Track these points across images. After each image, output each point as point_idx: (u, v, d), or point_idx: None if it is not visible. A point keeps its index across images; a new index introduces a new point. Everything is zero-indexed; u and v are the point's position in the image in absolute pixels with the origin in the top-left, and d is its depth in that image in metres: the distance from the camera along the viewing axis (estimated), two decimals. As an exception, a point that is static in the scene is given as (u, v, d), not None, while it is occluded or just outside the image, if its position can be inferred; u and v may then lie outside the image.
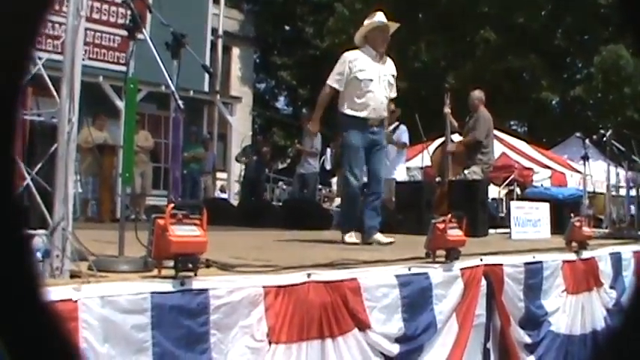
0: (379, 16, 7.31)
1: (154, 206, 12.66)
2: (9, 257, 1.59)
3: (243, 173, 16.76)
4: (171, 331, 3.16)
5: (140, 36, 3.78)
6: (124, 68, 3.85)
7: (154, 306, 3.10)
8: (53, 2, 2.71)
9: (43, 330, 1.63)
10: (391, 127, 10.47)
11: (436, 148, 11.41)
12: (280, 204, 16.88)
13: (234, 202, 16.06)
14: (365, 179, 7.37)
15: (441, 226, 4.98)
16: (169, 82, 3.78)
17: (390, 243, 6.86)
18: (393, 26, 7.34)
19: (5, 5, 1.59)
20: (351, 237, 7.03)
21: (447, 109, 10.57)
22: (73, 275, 3.08)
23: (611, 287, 7.38)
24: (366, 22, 7.37)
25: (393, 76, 7.35)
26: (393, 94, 7.39)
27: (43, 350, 1.61)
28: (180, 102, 3.79)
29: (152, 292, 3.13)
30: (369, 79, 7.07)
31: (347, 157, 7.18)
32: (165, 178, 15.30)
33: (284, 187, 23.80)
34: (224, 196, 17.98)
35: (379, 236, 6.99)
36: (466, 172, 10.51)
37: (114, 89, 14.25)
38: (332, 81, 7.18)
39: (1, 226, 1.60)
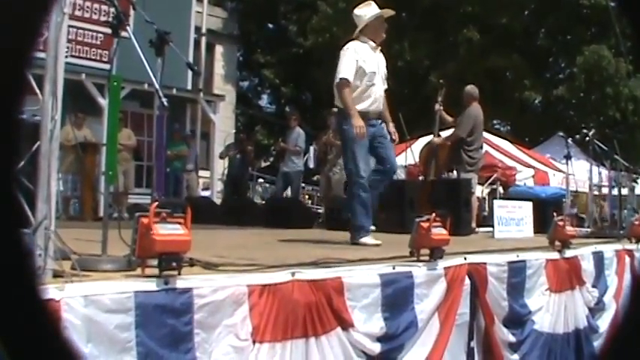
0: (375, 6, 7.03)
1: (136, 204, 12.59)
2: (8, 257, 1.57)
3: (226, 172, 16.72)
4: (155, 331, 3.14)
5: (124, 34, 3.76)
6: (106, 66, 3.84)
7: (137, 305, 3.08)
8: (53, 4, 2.68)
9: (43, 330, 1.62)
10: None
11: (425, 145, 11.32)
12: (263, 202, 16.82)
13: (217, 200, 16.00)
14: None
15: (425, 225, 4.98)
16: (154, 80, 3.75)
17: (377, 245, 6.48)
18: (389, 13, 7.10)
19: (6, 7, 1.58)
20: (370, 239, 6.66)
21: (438, 106, 10.36)
22: (56, 275, 3.05)
23: (594, 286, 7.43)
24: (359, 12, 7.03)
25: (387, 68, 7.17)
26: (385, 86, 7.13)
27: (42, 350, 1.60)
28: (164, 100, 3.77)
29: (136, 292, 3.11)
30: (372, 71, 6.86)
31: (350, 152, 6.79)
32: (147, 176, 15.24)
33: (266, 184, 23.76)
34: (206, 193, 17.88)
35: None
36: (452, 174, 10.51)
37: (96, 87, 14.13)
38: (347, 74, 6.76)
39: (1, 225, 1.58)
